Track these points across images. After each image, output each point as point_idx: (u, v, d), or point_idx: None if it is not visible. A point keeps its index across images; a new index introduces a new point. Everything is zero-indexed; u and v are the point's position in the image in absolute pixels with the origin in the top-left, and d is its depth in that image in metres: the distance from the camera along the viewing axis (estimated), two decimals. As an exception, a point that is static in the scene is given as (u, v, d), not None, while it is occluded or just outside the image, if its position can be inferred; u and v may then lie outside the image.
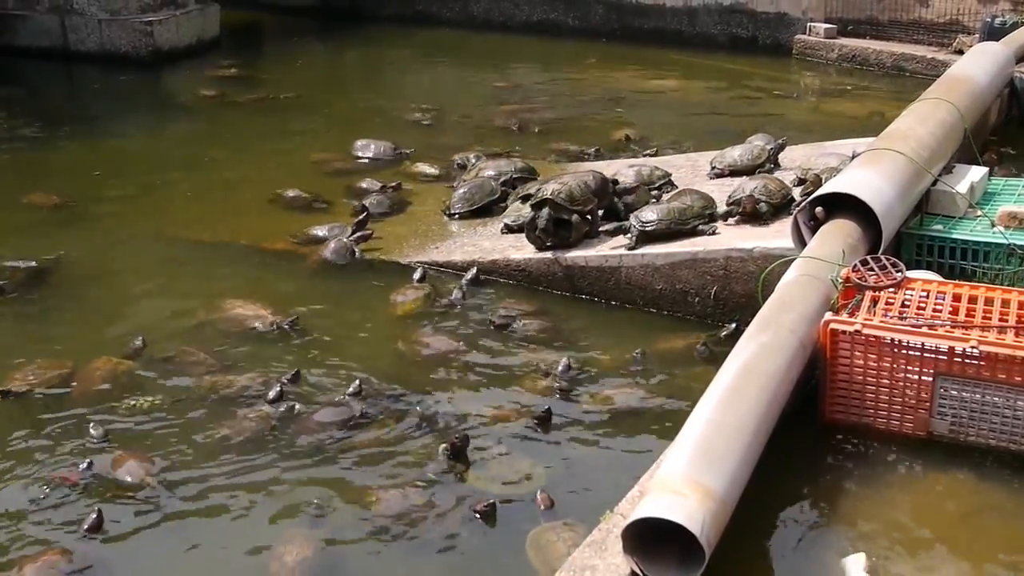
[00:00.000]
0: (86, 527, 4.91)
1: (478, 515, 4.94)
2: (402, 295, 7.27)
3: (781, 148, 8.65)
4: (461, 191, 8.71)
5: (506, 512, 5.01)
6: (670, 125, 11.55)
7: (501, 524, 4.96)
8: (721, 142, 9.67)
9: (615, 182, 7.98)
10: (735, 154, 8.59)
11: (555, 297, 7.35)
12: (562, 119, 12.04)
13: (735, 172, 8.38)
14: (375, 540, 4.88)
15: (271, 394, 5.96)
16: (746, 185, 7.32)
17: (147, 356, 6.49)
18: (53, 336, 6.91)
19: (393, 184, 9.30)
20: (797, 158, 8.59)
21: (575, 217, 7.37)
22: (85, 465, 5.31)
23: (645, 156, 10.03)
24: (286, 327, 6.79)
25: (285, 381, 6.08)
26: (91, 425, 5.70)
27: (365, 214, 8.39)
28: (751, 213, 7.15)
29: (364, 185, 9.33)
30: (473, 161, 9.63)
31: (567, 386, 6.12)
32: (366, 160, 10.32)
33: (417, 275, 7.51)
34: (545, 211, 7.36)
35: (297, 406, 5.89)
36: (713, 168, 8.65)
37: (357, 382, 6.00)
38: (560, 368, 6.28)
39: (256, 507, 5.14)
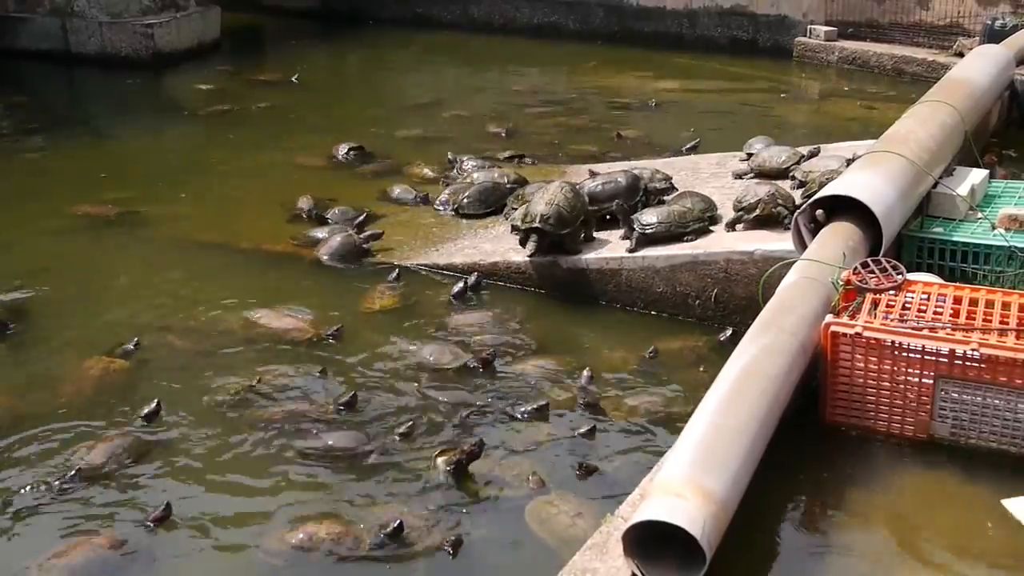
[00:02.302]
0: (152, 517, 4.97)
1: (447, 549, 4.79)
2: (378, 295, 7.32)
3: (814, 155, 8.45)
4: (473, 191, 8.70)
5: (504, 504, 5.08)
6: (671, 127, 11.55)
7: (501, 513, 5.03)
8: (722, 144, 9.67)
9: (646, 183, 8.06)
10: (767, 154, 8.43)
11: (556, 299, 7.34)
12: (564, 122, 12.03)
13: (763, 174, 8.24)
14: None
15: (345, 398, 5.92)
16: (758, 189, 7.25)
17: (148, 358, 6.50)
18: (48, 339, 6.91)
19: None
20: (798, 161, 8.56)
21: (566, 231, 7.34)
22: (73, 473, 5.31)
23: (687, 150, 10.10)
24: (326, 335, 6.73)
25: (345, 393, 6.02)
26: (148, 403, 5.83)
27: (365, 215, 8.56)
28: (768, 216, 7.09)
29: (398, 191, 9.25)
30: (464, 162, 9.62)
31: (593, 399, 6.01)
32: (336, 162, 10.37)
33: (392, 275, 7.59)
34: (532, 240, 7.35)
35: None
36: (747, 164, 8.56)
37: (411, 423, 5.73)
38: (583, 379, 6.19)
39: (264, 505, 5.20)
